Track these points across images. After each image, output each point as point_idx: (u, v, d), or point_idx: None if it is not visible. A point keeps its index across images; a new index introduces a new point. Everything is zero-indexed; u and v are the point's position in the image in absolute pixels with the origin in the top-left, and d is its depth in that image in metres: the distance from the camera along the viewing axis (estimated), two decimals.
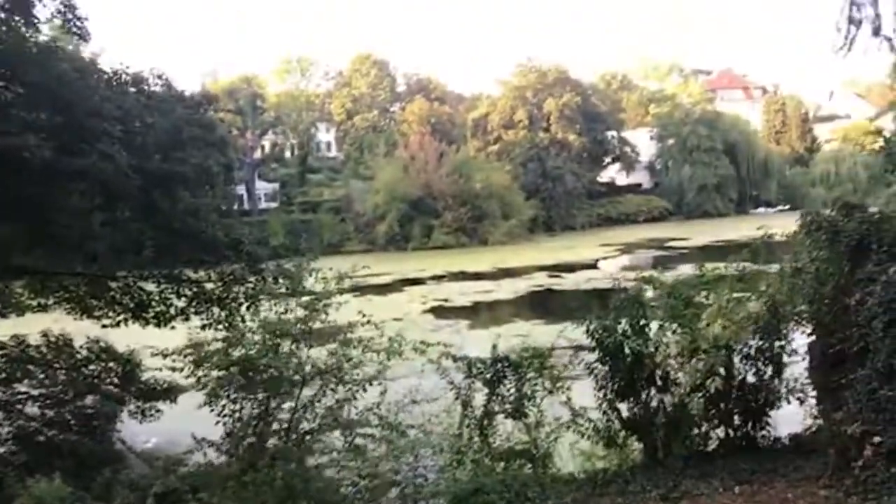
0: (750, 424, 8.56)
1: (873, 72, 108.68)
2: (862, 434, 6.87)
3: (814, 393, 8.89)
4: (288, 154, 75.84)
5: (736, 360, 8.52)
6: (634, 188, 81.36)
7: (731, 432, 8.62)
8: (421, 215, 60.43)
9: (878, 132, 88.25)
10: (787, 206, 79.48)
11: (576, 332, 10.85)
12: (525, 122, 72.01)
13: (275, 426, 8.27)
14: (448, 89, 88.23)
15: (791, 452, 8.36)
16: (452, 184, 60.20)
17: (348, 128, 77.20)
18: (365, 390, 7.79)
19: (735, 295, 8.73)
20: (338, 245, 54.83)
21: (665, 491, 7.17)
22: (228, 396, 8.15)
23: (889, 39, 10.99)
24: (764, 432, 8.64)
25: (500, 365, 9.71)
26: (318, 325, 7.80)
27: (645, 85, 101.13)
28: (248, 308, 12.54)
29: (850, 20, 11.02)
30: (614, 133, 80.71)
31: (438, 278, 42.25)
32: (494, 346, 10.05)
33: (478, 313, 31.55)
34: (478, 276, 42.07)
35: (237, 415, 8.32)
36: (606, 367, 8.86)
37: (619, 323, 8.86)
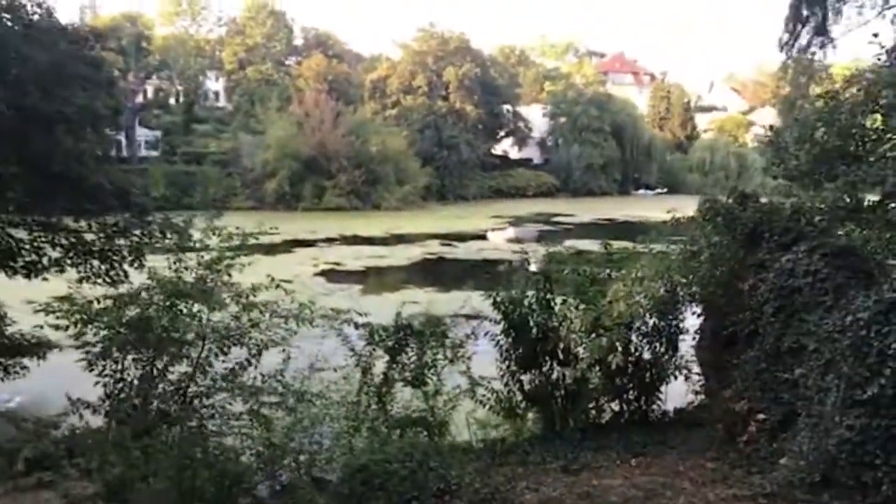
0: (643, 399, 8.93)
1: (749, 69, 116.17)
2: (748, 411, 7.34)
3: (698, 370, 9.42)
4: (173, 101, 71.48)
5: (634, 337, 8.84)
6: (525, 163, 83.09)
7: (625, 406, 8.97)
8: (313, 175, 58.93)
9: (750, 125, 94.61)
10: (665, 190, 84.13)
11: (476, 302, 10.97)
12: (424, 89, 71.53)
13: (161, 388, 7.79)
14: (347, 48, 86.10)
15: (678, 426, 8.81)
16: (348, 145, 59.00)
17: (240, 78, 73.63)
18: (259, 354, 7.46)
19: (638, 274, 9.03)
20: (223, 200, 52.44)
21: (565, 462, 7.36)
22: (112, 357, 7.59)
23: (832, 39, 11.62)
24: (655, 406, 9.05)
25: (402, 333, 9.65)
26: (219, 285, 7.37)
27: (541, 62, 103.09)
28: (131, 263, 11.78)
29: (797, 18, 11.59)
30: (510, 107, 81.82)
31: (330, 241, 41.52)
32: (398, 314, 9.98)
33: (370, 278, 31.32)
34: (371, 241, 41.70)
35: (118, 375, 7.77)
36: (510, 339, 8.97)
37: (527, 296, 8.98)
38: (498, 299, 8.97)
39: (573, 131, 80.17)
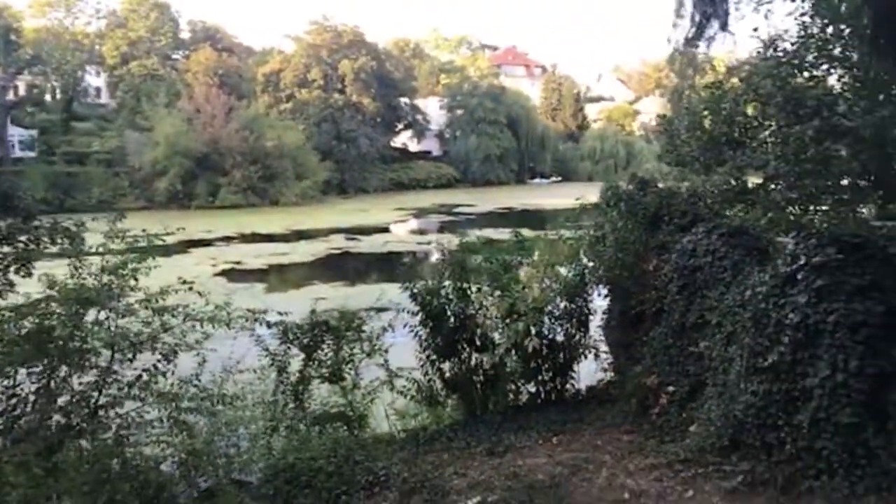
0: (558, 379, 9.24)
1: (634, 61, 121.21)
2: (658, 384, 7.74)
3: (606, 349, 9.84)
4: (49, 98, 66.92)
5: (547, 320, 9.12)
6: (425, 155, 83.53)
7: (541, 387, 9.25)
8: (207, 172, 56.86)
9: (636, 114, 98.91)
10: (559, 178, 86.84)
11: (392, 294, 10.98)
12: (320, 82, 70.47)
13: (63, 401, 7.34)
14: (237, 41, 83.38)
15: (591, 403, 9.16)
16: (242, 141, 57.24)
17: (123, 73, 69.74)
18: (174, 358, 7.18)
19: (548, 260, 9.33)
20: (111, 202, 49.69)
21: (490, 445, 7.50)
22: (4, 373, 7.07)
23: (733, 34, 12.25)
24: (569, 386, 9.38)
25: (317, 329, 9.55)
26: (125, 290, 7.00)
27: (436, 55, 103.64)
28: (16, 271, 10.97)
29: (704, 14, 12.19)
30: (407, 100, 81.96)
31: (228, 239, 40.24)
32: (313, 311, 9.86)
33: (273, 276, 30.61)
34: (271, 238, 40.71)
35: (10, 392, 7.25)
36: (429, 329, 9.05)
37: (443, 286, 9.09)
38: (415, 290, 9.01)
39: (470, 123, 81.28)
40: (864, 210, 12.14)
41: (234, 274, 29.63)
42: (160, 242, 7.80)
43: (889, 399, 5.17)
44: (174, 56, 75.21)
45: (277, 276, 30.63)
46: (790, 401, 5.56)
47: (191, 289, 7.28)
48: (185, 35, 78.24)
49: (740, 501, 5.42)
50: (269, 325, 9.00)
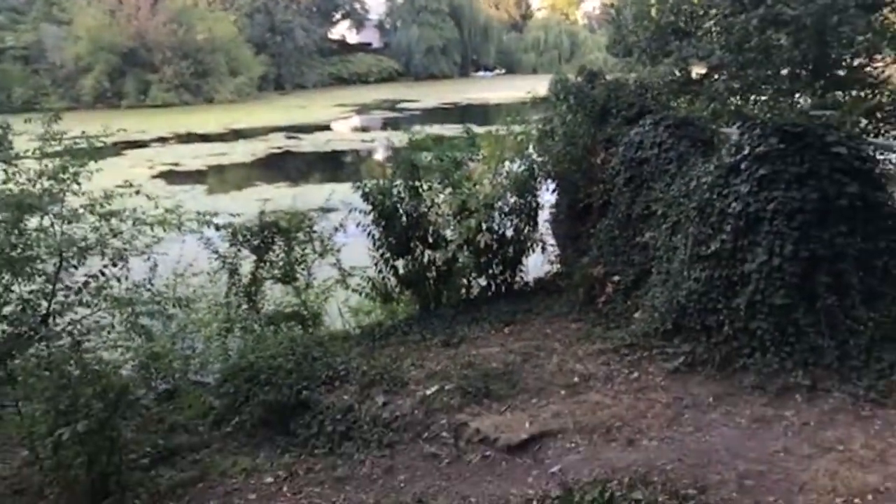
0: (508, 273, 9.48)
1: None
2: (604, 274, 8.04)
3: (552, 242, 10.09)
4: None
5: (497, 216, 9.24)
6: (365, 47, 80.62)
7: (491, 281, 9.49)
8: (135, 69, 53.86)
9: (580, 2, 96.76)
10: (503, 71, 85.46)
11: (341, 195, 10.91)
12: None
13: (8, 310, 7.20)
14: None
15: (540, 294, 9.47)
16: (171, 34, 54.03)
17: None
18: (123, 263, 7.05)
19: (498, 155, 9.35)
20: (33, 102, 46.79)
21: (445, 337, 7.76)
22: None
23: None
24: (518, 279, 9.64)
25: (267, 231, 9.50)
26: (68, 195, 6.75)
27: None
28: None
29: None
30: None
31: (163, 140, 38.74)
32: (262, 213, 9.75)
33: (213, 177, 29.81)
34: (208, 138, 39.34)
35: None
36: (382, 228, 9.08)
37: (395, 185, 9.06)
38: (366, 190, 8.96)
39: (411, 12, 78.36)
40: (801, 100, 12.42)
41: (173, 176, 28.74)
42: (100, 144, 7.45)
43: (819, 280, 5.52)
44: None
45: (218, 178, 29.87)
46: (730, 286, 5.88)
47: (137, 192, 7.06)
48: None
49: (681, 380, 5.80)
50: (217, 228, 8.86)
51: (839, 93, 13.07)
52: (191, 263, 9.52)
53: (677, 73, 13.71)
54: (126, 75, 53.53)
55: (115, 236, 6.55)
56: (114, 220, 6.66)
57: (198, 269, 9.66)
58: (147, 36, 53.47)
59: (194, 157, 33.24)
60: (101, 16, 53.06)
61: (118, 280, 6.52)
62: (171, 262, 8.93)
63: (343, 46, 78.85)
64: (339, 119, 49.91)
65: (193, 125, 43.36)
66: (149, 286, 7.07)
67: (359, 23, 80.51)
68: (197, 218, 7.39)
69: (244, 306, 9.57)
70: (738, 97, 13.27)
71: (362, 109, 54.48)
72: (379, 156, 33.88)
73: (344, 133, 44.75)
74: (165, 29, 53.93)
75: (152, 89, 53.92)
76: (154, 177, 28.11)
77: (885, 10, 13.21)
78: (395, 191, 9.02)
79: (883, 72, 13.09)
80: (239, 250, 9.36)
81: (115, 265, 6.71)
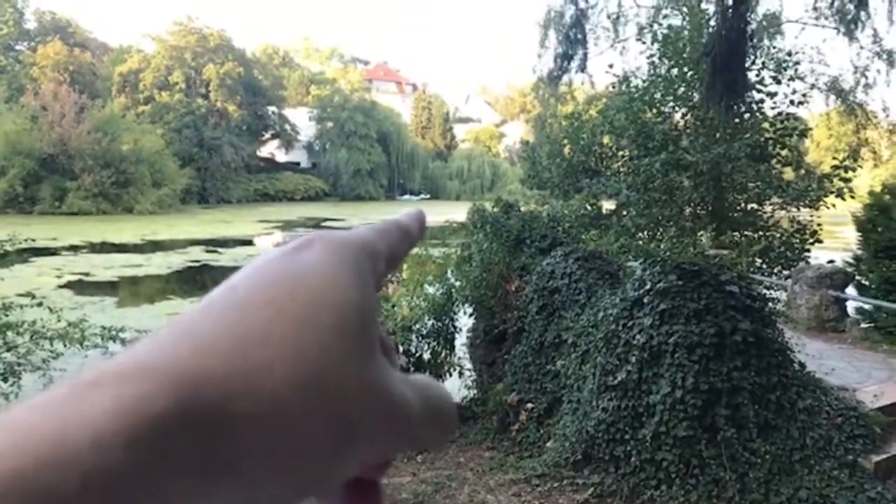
0: None
1: (500, 84, 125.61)
2: (518, 401, 8.09)
3: (469, 366, 10.15)
4: None
5: (415, 338, 9.28)
6: (293, 166, 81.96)
7: None
8: (53, 175, 52.59)
9: (502, 136, 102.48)
10: (428, 196, 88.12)
11: None
12: (182, 86, 67.36)
13: None
14: (91, 36, 78.08)
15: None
16: (94, 143, 53.43)
17: None
18: (6, 381, 6.63)
19: (417, 278, 9.52)
20: None
21: None
22: None
23: (591, 76, 13.14)
24: None
25: None
26: None
27: (306, 65, 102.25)
28: None
29: (565, 54, 12.96)
30: (275, 109, 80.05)
31: (75, 248, 37.37)
32: None
33: (126, 289, 28.74)
34: (124, 248, 38.22)
35: None
36: None
37: None
38: None
39: (341, 136, 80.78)
40: (702, 238, 13.31)
41: (82, 286, 27.56)
42: (1, 250, 7.18)
43: (718, 413, 5.74)
44: (17, 47, 69.24)
45: (130, 290, 28.83)
46: (636, 416, 6.02)
47: (40, 304, 6.75)
48: (31, 26, 72.30)
49: None
50: (123, 343, 8.51)
51: (735, 234, 14.15)
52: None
53: (588, 208, 14.60)
54: (42, 181, 52.15)
55: (8, 350, 6.20)
56: (9, 333, 6.33)
57: None
58: (69, 143, 52.70)
59: (107, 267, 32.12)
60: (22, 121, 52.23)
61: (6, 398, 6.11)
62: (71, 377, 8.43)
63: (271, 164, 79.92)
64: (262, 234, 49.71)
65: (109, 234, 42.22)
66: None
67: (288, 143, 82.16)
68: (102, 333, 7.10)
69: None
70: (645, 233, 14.15)
71: (287, 226, 54.56)
72: None
73: (266, 248, 44.20)
74: (89, 137, 53.36)
75: (69, 196, 52.56)
76: (61, 286, 26.84)
77: (773, 162, 14.63)
78: None
79: (772, 216, 14.31)
80: None
81: (5, 381, 6.31)
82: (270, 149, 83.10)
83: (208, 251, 38.59)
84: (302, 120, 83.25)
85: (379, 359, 0.30)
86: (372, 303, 0.31)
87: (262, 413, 0.25)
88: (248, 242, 44.57)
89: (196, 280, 31.88)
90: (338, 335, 0.28)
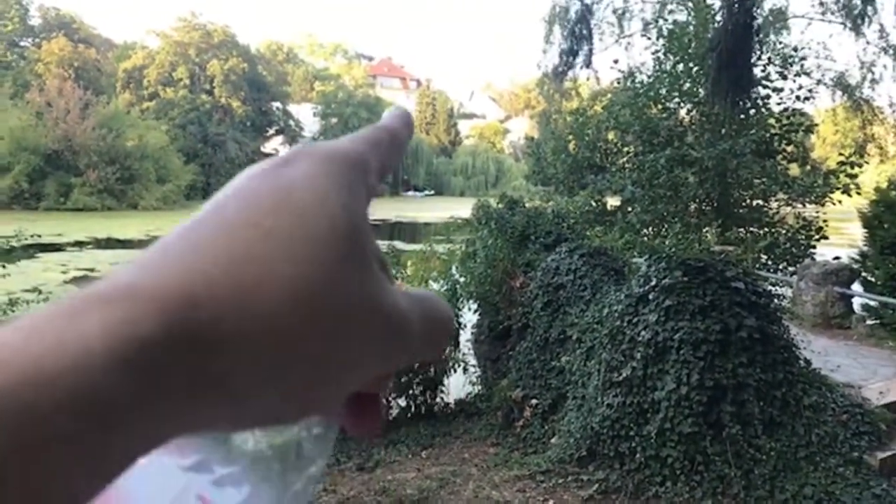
0: (428, 393, 9.40)
1: (504, 80, 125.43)
2: (522, 398, 8.09)
3: (474, 363, 10.16)
4: None
5: None
6: None
7: (411, 402, 9.38)
8: (58, 171, 52.69)
9: (506, 132, 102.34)
10: (432, 192, 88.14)
11: None
12: (186, 82, 67.44)
13: None
14: (95, 32, 78.13)
15: (460, 416, 9.40)
16: (99, 139, 53.54)
17: None
18: None
19: (422, 274, 9.52)
20: None
21: (360, 461, 7.53)
22: None
23: (596, 72, 13.14)
24: (438, 400, 9.57)
25: None
26: None
27: (311, 61, 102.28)
28: None
29: (570, 50, 12.95)
30: (279, 105, 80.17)
31: (81, 244, 37.51)
32: None
33: None
34: (129, 244, 38.34)
35: None
36: None
37: None
38: None
39: (344, 132, 76.24)
40: (707, 234, 13.29)
41: (87, 282, 27.58)
42: (7, 247, 7.21)
43: (724, 409, 5.73)
44: (22, 43, 69.34)
45: None
46: (641, 413, 6.02)
47: (46, 299, 6.78)
48: (35, 22, 72.39)
49: None
50: None
51: (741, 230, 14.12)
52: None
53: (593, 204, 14.58)
54: (48, 177, 52.28)
55: None
56: None
57: None
58: (74, 139, 52.83)
59: (112, 263, 32.17)
60: (27, 117, 52.36)
61: None
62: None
63: None
64: None
65: (115, 230, 42.34)
66: None
67: (292, 139, 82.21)
68: None
69: None
70: (650, 229, 14.13)
71: None
72: None
73: None
74: (94, 133, 53.48)
75: (74, 192, 52.68)
76: (67, 282, 26.95)
77: (779, 158, 14.59)
78: None
79: (777, 212, 14.27)
80: None
81: None
82: (275, 145, 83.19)
83: None
84: (306, 116, 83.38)
85: (374, 270, 0.29)
86: (364, 216, 0.30)
87: (251, 330, 0.24)
88: None
89: None
90: (327, 248, 0.27)
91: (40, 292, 6.88)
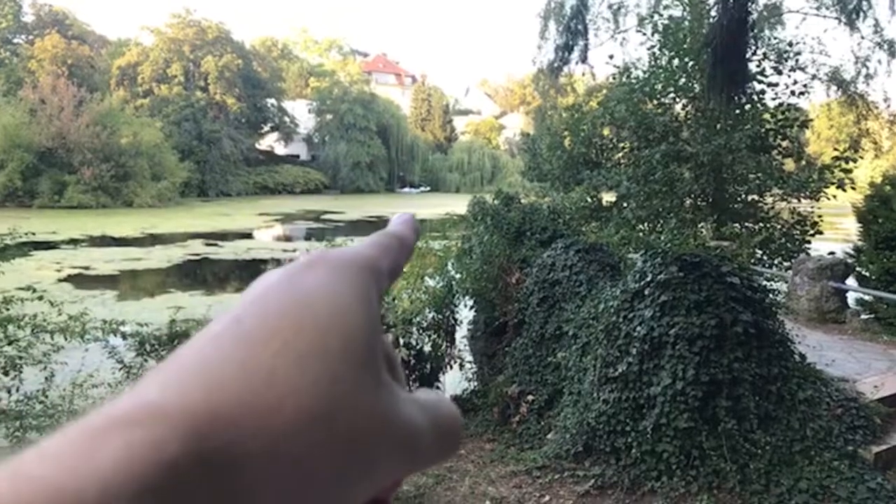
0: None
1: (500, 76, 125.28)
2: (519, 393, 8.10)
3: (470, 359, 10.16)
4: None
5: (415, 331, 9.28)
6: (293, 159, 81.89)
7: None
8: (52, 169, 52.51)
9: (502, 129, 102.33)
10: (428, 188, 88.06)
11: None
12: (181, 79, 67.23)
13: None
14: (89, 29, 77.76)
15: None
16: (93, 137, 53.33)
17: None
18: (7, 374, 6.63)
19: (417, 271, 9.51)
20: None
21: None
22: None
23: (592, 67, 13.13)
24: None
25: (177, 340, 9.20)
26: None
27: (305, 57, 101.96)
28: None
29: (566, 45, 12.94)
30: (274, 101, 79.93)
31: (75, 242, 37.37)
32: (173, 321, 9.47)
33: (125, 283, 28.76)
34: (124, 242, 38.22)
35: None
36: None
37: None
38: None
39: (340, 129, 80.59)
40: (703, 229, 13.32)
41: (82, 280, 27.58)
42: (1, 244, 7.18)
43: (719, 404, 5.75)
44: (15, 40, 68.99)
45: (130, 283, 28.84)
46: (637, 408, 6.03)
47: (41, 297, 6.76)
48: (28, 18, 72.01)
49: None
50: (124, 337, 8.53)
51: (736, 225, 14.15)
52: (91, 374, 9.04)
53: (589, 200, 14.59)
54: (41, 175, 52.11)
55: (10, 344, 6.20)
56: (10, 327, 6.34)
57: (99, 379, 9.17)
58: (68, 137, 52.62)
59: (107, 260, 32.12)
60: (21, 114, 52.14)
61: (8, 391, 6.12)
62: (71, 371, 8.47)
63: (270, 157, 79.79)
64: (262, 227, 49.66)
65: (109, 228, 42.20)
66: (42, 398, 6.66)
67: (287, 135, 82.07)
68: (102, 326, 7.10)
69: None
70: (645, 225, 14.15)
71: (286, 219, 54.56)
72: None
73: (266, 241, 44.43)
74: (88, 131, 53.28)
75: (68, 190, 52.51)
76: (61, 280, 26.88)
77: (774, 153, 14.62)
78: None
79: (772, 207, 14.31)
80: (146, 360, 8.98)
81: (6, 374, 6.33)
82: (269, 141, 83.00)
83: (208, 244, 38.59)
84: (301, 112, 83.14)
85: (386, 383, 0.30)
86: (377, 324, 0.31)
87: (273, 451, 0.25)
88: (248, 235, 44.55)
89: (196, 273, 31.86)
90: (345, 364, 0.27)
91: (34, 290, 6.84)
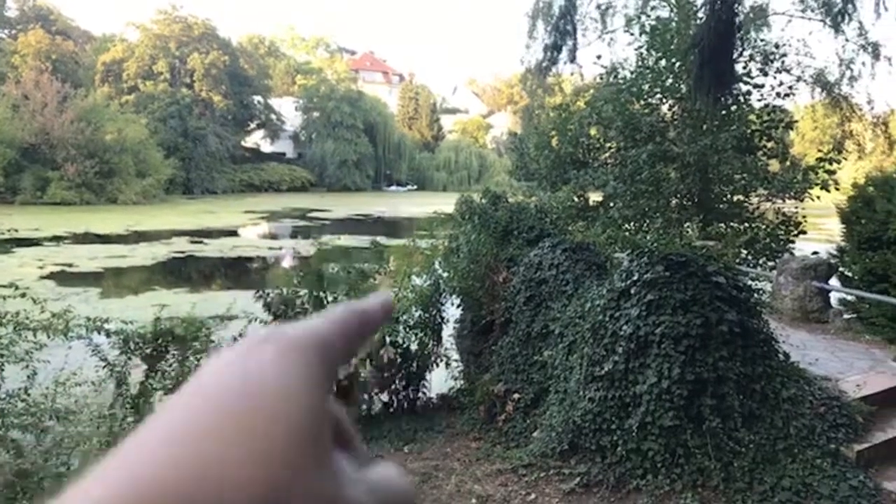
0: (411, 388, 9.40)
1: (487, 75, 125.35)
2: (505, 392, 8.11)
3: (456, 357, 10.16)
4: None
5: (402, 330, 9.27)
6: (279, 157, 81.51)
7: (394, 397, 9.36)
8: (34, 165, 51.93)
9: (489, 128, 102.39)
10: (415, 187, 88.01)
11: (243, 304, 10.68)
12: (166, 75, 66.73)
13: None
14: (73, 24, 76.97)
15: (442, 411, 9.41)
16: (77, 133, 52.80)
17: None
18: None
19: (404, 269, 9.50)
20: None
21: None
22: None
23: (579, 67, 13.16)
24: (421, 394, 9.57)
25: (161, 339, 9.13)
26: None
27: (292, 55, 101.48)
28: None
29: (554, 45, 12.96)
30: (261, 99, 79.53)
31: (58, 239, 37.00)
32: (157, 319, 9.39)
33: (109, 280, 28.49)
34: (108, 239, 37.87)
35: None
36: None
37: (299, 296, 8.98)
38: (268, 300, 8.84)
39: (327, 127, 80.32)
40: (689, 229, 13.40)
41: (65, 277, 27.31)
42: None
43: (704, 403, 5.78)
44: None
45: (114, 280, 28.58)
46: (623, 406, 6.06)
47: (23, 295, 6.68)
48: (11, 13, 71.17)
49: (576, 502, 5.82)
50: (108, 335, 8.46)
51: (721, 225, 14.25)
52: (74, 372, 8.95)
53: (575, 199, 14.64)
54: (24, 171, 51.51)
55: None
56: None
57: (83, 377, 9.08)
58: (52, 132, 52.07)
59: (90, 257, 31.82)
60: (4, 110, 51.52)
61: None
62: (54, 369, 8.38)
63: (256, 155, 79.39)
64: (248, 225, 49.38)
65: (93, 225, 41.83)
66: (24, 396, 6.59)
67: (274, 133, 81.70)
68: (86, 324, 7.04)
69: (130, 419, 8.99)
70: (631, 224, 14.21)
71: (272, 217, 54.30)
72: (286, 263, 33.53)
73: (251, 239, 44.20)
74: (72, 127, 52.74)
75: (52, 186, 51.94)
76: (44, 277, 26.60)
77: (759, 154, 14.73)
78: (298, 301, 8.93)
79: (757, 207, 14.42)
80: (129, 358, 8.90)
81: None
82: (256, 139, 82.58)
83: (193, 242, 38.33)
84: (288, 110, 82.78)
85: (331, 467, 0.30)
86: (325, 408, 0.31)
87: None
88: (234, 233, 44.30)
89: (181, 271, 31.64)
90: (292, 450, 0.28)
91: (17, 287, 6.77)
